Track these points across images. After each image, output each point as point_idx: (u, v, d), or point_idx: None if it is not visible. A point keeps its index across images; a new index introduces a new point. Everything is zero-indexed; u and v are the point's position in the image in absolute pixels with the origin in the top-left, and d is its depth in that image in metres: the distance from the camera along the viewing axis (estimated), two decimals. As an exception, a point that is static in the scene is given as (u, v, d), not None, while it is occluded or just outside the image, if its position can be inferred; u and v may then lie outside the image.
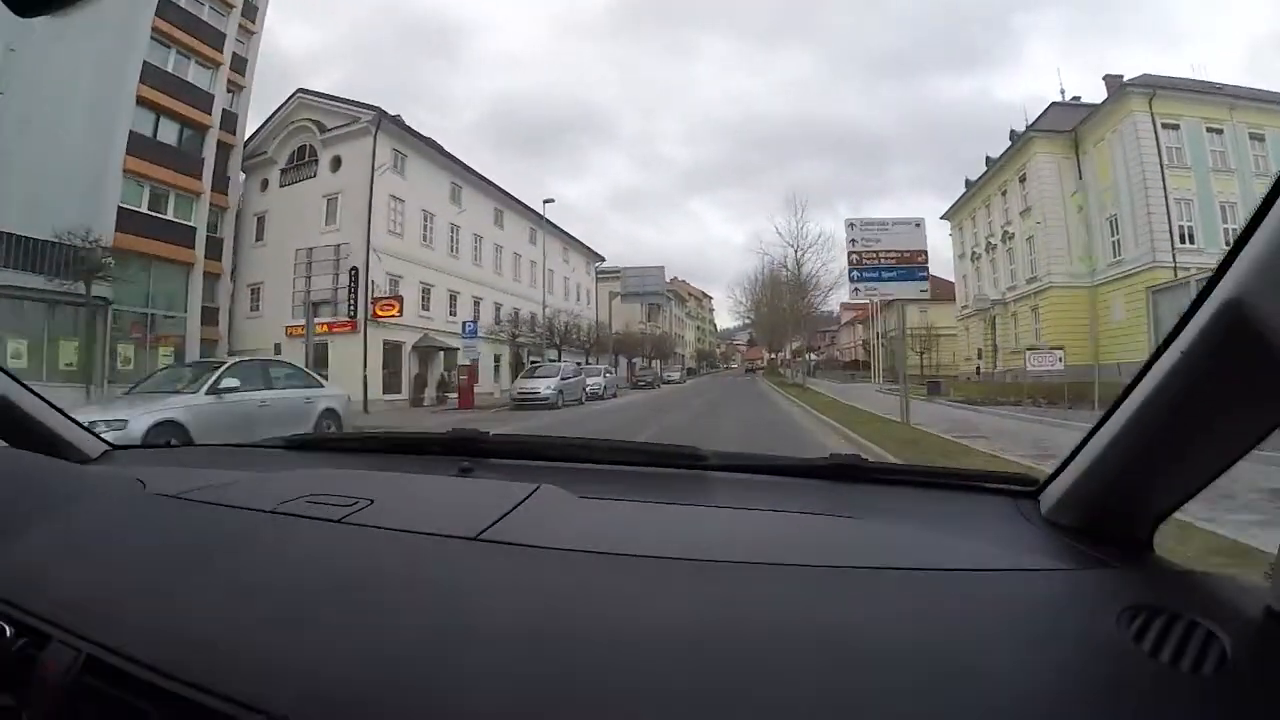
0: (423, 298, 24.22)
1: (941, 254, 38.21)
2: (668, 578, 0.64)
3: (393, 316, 20.88)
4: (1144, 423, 0.63)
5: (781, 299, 44.75)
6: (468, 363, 21.84)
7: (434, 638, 0.55)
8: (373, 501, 0.84)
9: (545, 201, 31.70)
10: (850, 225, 12.01)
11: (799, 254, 36.59)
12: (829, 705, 0.46)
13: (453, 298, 26.27)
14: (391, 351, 21.90)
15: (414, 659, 0.52)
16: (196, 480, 0.97)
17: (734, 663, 0.50)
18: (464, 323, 23.70)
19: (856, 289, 11.94)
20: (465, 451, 1.18)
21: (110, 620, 0.61)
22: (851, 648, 0.52)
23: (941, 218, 37.32)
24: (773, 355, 58.32)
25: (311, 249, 18.45)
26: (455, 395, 21.56)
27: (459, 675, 0.51)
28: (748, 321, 60.38)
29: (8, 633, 0.60)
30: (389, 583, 0.65)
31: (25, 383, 1.15)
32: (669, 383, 41.32)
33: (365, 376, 19.28)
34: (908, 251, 11.66)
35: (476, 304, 27.63)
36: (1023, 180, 28.56)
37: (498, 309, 29.69)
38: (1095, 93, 25.37)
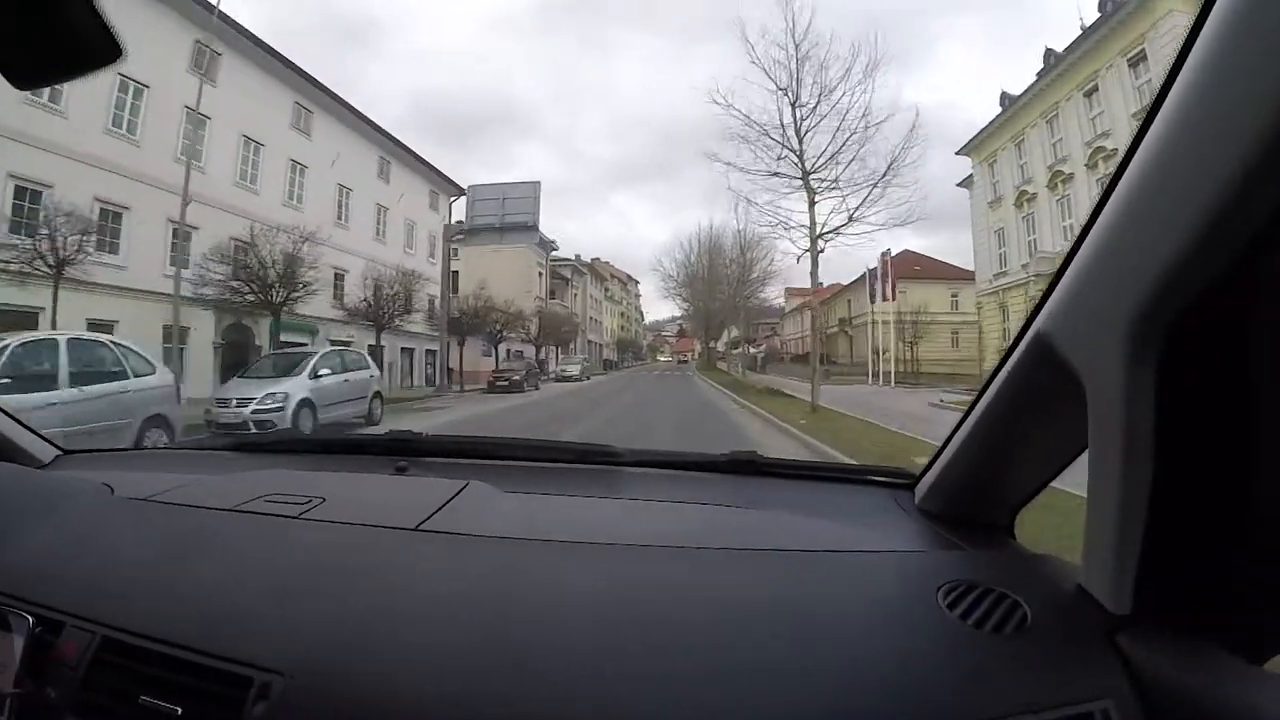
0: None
1: (952, 210, 27.48)
2: (584, 560, 0.75)
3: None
4: (986, 427, 0.76)
5: (721, 276, 35.23)
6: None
7: (390, 611, 0.66)
8: (324, 500, 0.93)
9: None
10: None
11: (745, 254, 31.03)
12: (715, 660, 0.57)
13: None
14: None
15: (376, 628, 0.63)
16: (159, 484, 1.01)
17: (641, 629, 0.61)
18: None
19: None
20: (401, 451, 1.26)
21: (117, 607, 0.69)
22: (736, 616, 0.63)
23: (959, 152, 26.56)
24: (711, 343, 46.70)
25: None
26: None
27: (412, 640, 0.61)
28: (681, 307, 48.54)
29: (30, 621, 0.66)
30: (348, 568, 0.74)
31: None
32: (565, 379, 28.40)
33: None
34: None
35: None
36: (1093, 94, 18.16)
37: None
38: None
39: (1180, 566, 0.55)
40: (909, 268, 41.26)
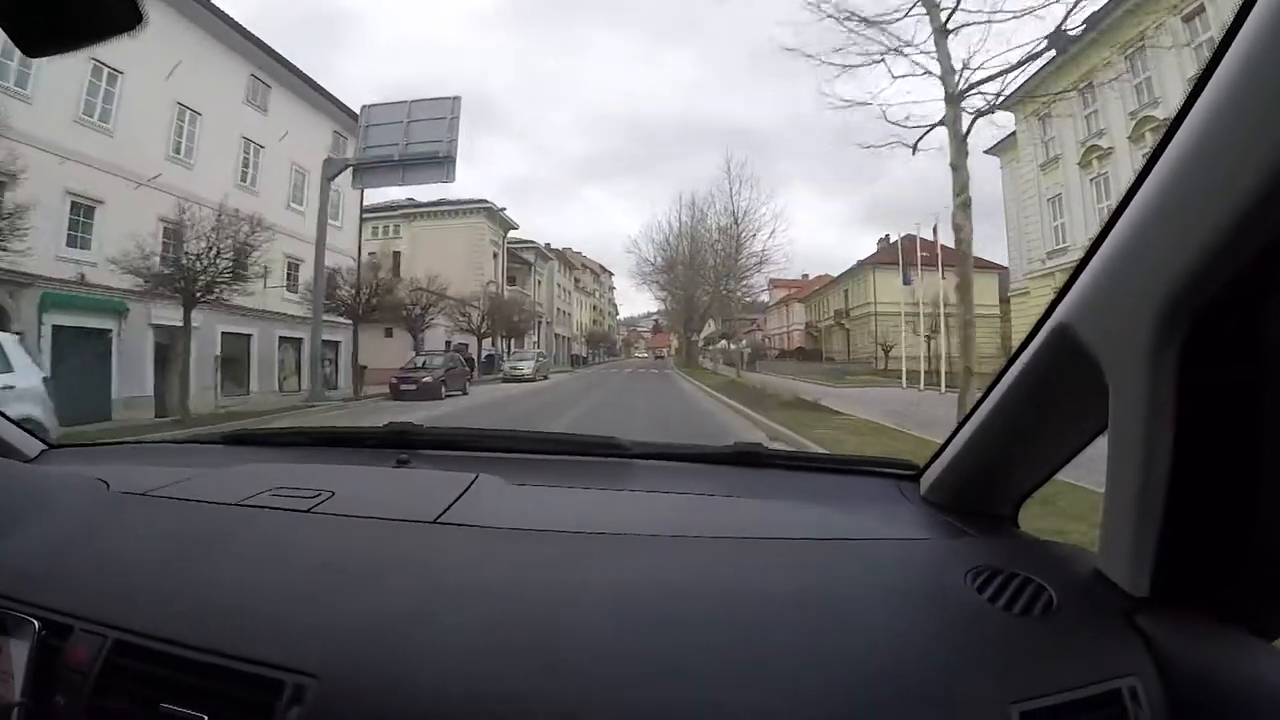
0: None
1: (985, 189, 22.89)
2: (603, 551, 0.74)
3: None
4: (1000, 419, 0.77)
5: (706, 261, 30.46)
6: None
7: (420, 607, 0.63)
8: (333, 494, 0.89)
9: None
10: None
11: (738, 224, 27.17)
12: (730, 646, 0.57)
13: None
14: None
15: (408, 625, 0.60)
16: (155, 479, 0.97)
17: (669, 618, 0.60)
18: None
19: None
20: (400, 444, 1.21)
21: (128, 608, 0.65)
22: (749, 602, 0.62)
23: (997, 107, 21.94)
24: (692, 337, 41.59)
25: None
26: None
27: (445, 636, 0.59)
28: (658, 297, 43.38)
29: (36, 626, 0.62)
30: (370, 563, 0.71)
31: None
32: (515, 378, 22.59)
33: None
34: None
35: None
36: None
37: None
38: None
39: (1196, 550, 0.56)
40: (913, 254, 36.97)
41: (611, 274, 79.30)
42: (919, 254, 25.29)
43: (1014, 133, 21.73)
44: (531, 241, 39.93)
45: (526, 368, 23.61)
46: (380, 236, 32.87)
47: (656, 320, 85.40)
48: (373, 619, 0.61)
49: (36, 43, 0.61)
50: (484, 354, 27.48)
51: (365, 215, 34.48)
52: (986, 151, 23.71)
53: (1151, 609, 0.57)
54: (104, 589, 0.68)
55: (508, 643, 0.58)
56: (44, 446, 1.20)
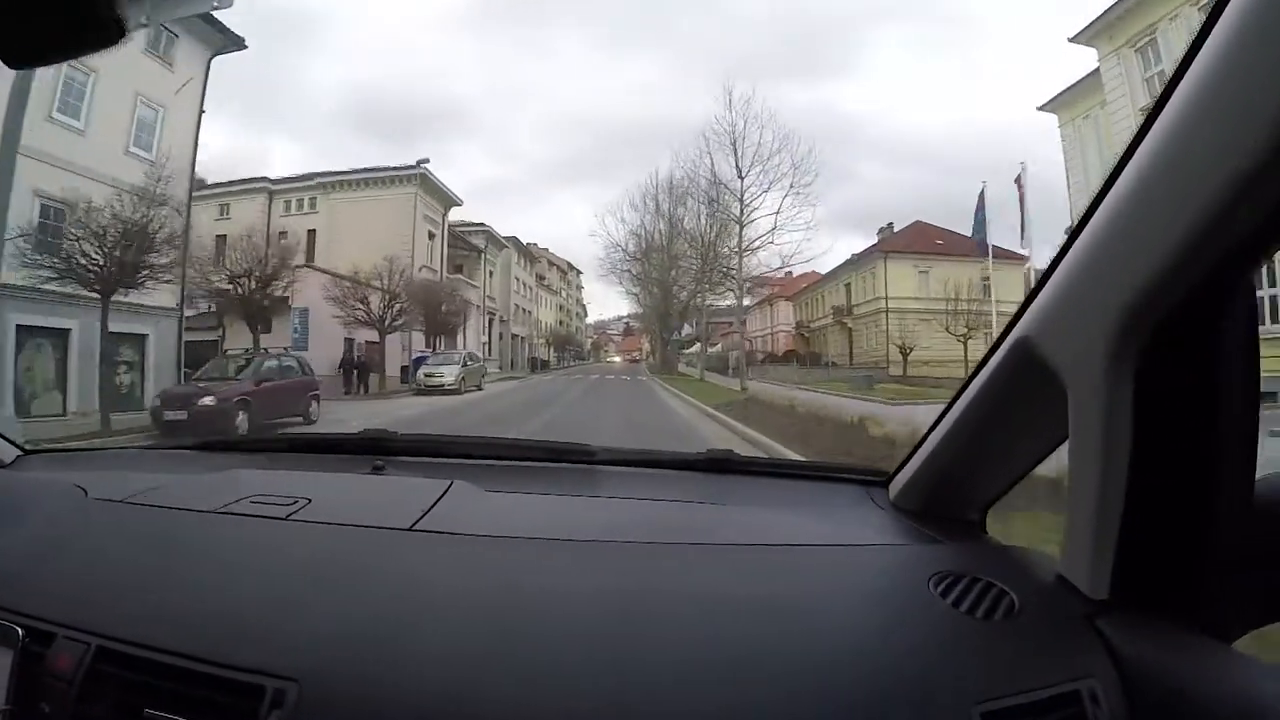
0: None
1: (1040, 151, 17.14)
2: (576, 557, 0.75)
3: None
4: (965, 428, 0.79)
5: (684, 250, 25.92)
6: None
7: (396, 612, 0.64)
8: (310, 500, 0.89)
9: None
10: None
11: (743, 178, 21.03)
12: (701, 650, 0.58)
13: None
14: None
15: (385, 630, 0.61)
16: (133, 485, 0.96)
17: (640, 623, 0.62)
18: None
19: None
20: (376, 450, 1.20)
21: (109, 614, 0.64)
22: (719, 607, 0.64)
23: (1073, 39, 16.78)
24: (669, 339, 35.93)
25: None
26: None
27: (420, 641, 0.60)
28: (630, 293, 37.65)
29: (20, 633, 0.62)
30: (347, 569, 0.72)
31: None
32: (430, 389, 16.31)
33: None
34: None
35: None
36: None
37: None
38: None
39: (1154, 555, 0.58)
40: (929, 242, 32.25)
41: (580, 272, 73.80)
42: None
43: (1086, 78, 17.03)
44: (482, 224, 33.82)
45: (448, 375, 16.87)
46: (294, 212, 26.72)
47: (628, 323, 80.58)
48: (352, 624, 0.62)
49: (19, 54, 0.61)
50: (415, 354, 21.45)
51: (274, 187, 28.38)
52: (1041, 108, 19.14)
53: (1111, 612, 0.59)
54: (85, 595, 0.68)
55: (485, 647, 0.59)
56: (19, 452, 1.18)
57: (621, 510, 0.95)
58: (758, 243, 22.05)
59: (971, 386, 0.76)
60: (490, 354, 33.66)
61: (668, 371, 31.16)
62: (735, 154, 21.35)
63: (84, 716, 0.58)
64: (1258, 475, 0.57)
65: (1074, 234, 0.58)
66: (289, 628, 0.62)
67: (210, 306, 16.24)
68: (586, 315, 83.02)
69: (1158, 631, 0.57)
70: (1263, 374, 0.56)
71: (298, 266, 16.96)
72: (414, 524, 0.81)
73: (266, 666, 0.57)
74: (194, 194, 14.36)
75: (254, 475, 1.05)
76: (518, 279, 41.71)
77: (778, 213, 20.95)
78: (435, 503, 0.88)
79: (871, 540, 0.85)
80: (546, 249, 59.76)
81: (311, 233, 25.54)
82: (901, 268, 31.13)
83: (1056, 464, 0.72)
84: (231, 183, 25.72)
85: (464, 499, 0.92)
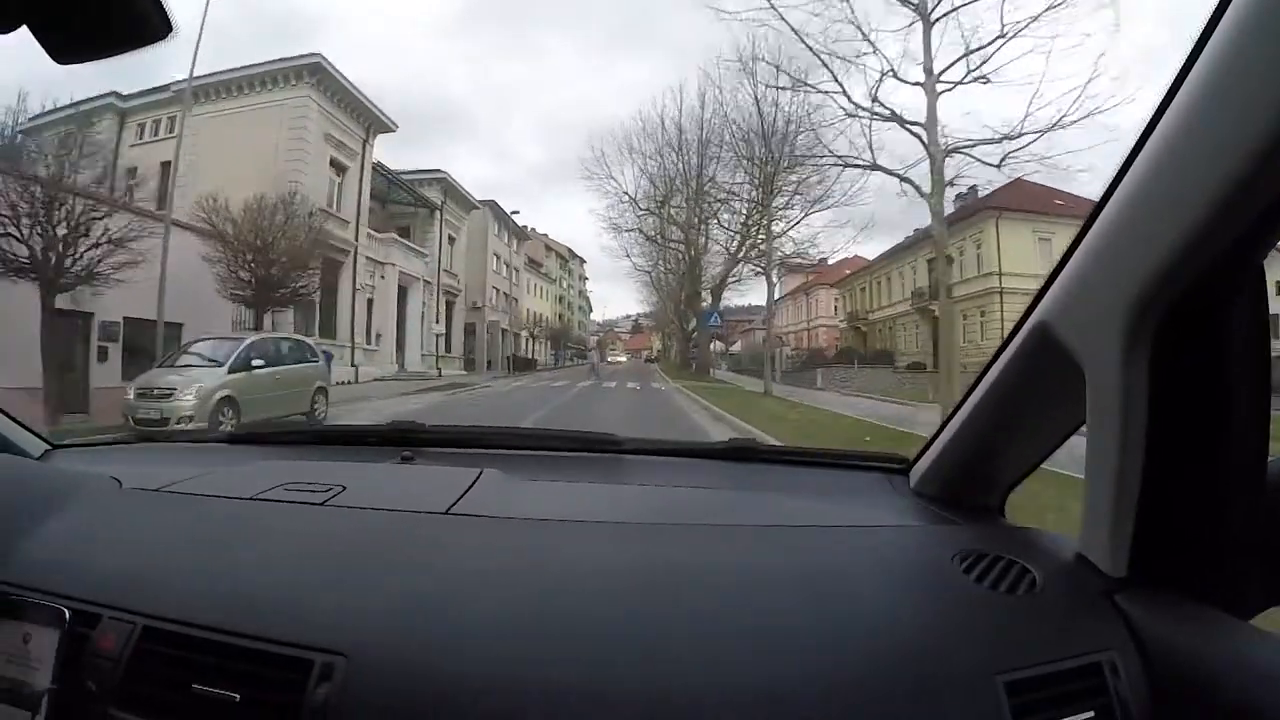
0: None
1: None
2: (604, 537, 0.77)
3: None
4: (984, 414, 0.81)
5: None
6: None
7: (438, 591, 0.66)
8: (344, 488, 0.91)
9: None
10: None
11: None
12: (732, 622, 0.60)
13: None
14: None
15: (428, 608, 0.63)
16: (166, 476, 0.97)
17: (675, 601, 0.63)
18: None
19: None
20: (404, 442, 1.23)
21: (155, 596, 0.66)
22: (747, 582, 0.66)
23: None
24: (692, 331, 26.96)
25: None
26: None
27: (462, 618, 0.62)
28: (640, 255, 28.95)
29: (67, 614, 0.64)
30: (388, 548, 0.74)
31: None
32: (149, 422, 6.66)
33: None
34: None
35: None
36: None
37: None
38: None
39: (1170, 534, 0.60)
40: (1046, 203, 23.33)
41: (583, 260, 65.14)
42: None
43: None
44: (437, 170, 24.92)
45: (182, 399, 6.98)
46: (149, 138, 18.38)
47: (636, 320, 72.63)
48: (395, 601, 0.63)
49: (66, 51, 0.60)
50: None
51: (125, 104, 20.09)
52: None
53: (1129, 589, 0.61)
54: (129, 578, 0.70)
55: (524, 622, 0.60)
56: (48, 445, 1.20)
57: (649, 496, 0.98)
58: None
59: (991, 372, 0.77)
60: (448, 348, 25.01)
61: (694, 374, 22.34)
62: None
63: (131, 694, 0.59)
64: (1270, 456, 0.58)
65: (1090, 220, 0.59)
66: (333, 605, 0.63)
67: None
68: (591, 310, 75.05)
69: (1175, 607, 0.58)
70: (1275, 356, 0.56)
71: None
72: (449, 508, 0.83)
73: (313, 641, 0.58)
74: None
75: (286, 465, 1.08)
76: (498, 256, 33.08)
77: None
78: (468, 489, 0.91)
79: (894, 522, 0.87)
80: (546, 234, 51.68)
81: (166, 165, 16.98)
82: (1018, 233, 22.38)
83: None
84: (61, 108, 17.33)
85: (495, 486, 0.95)
